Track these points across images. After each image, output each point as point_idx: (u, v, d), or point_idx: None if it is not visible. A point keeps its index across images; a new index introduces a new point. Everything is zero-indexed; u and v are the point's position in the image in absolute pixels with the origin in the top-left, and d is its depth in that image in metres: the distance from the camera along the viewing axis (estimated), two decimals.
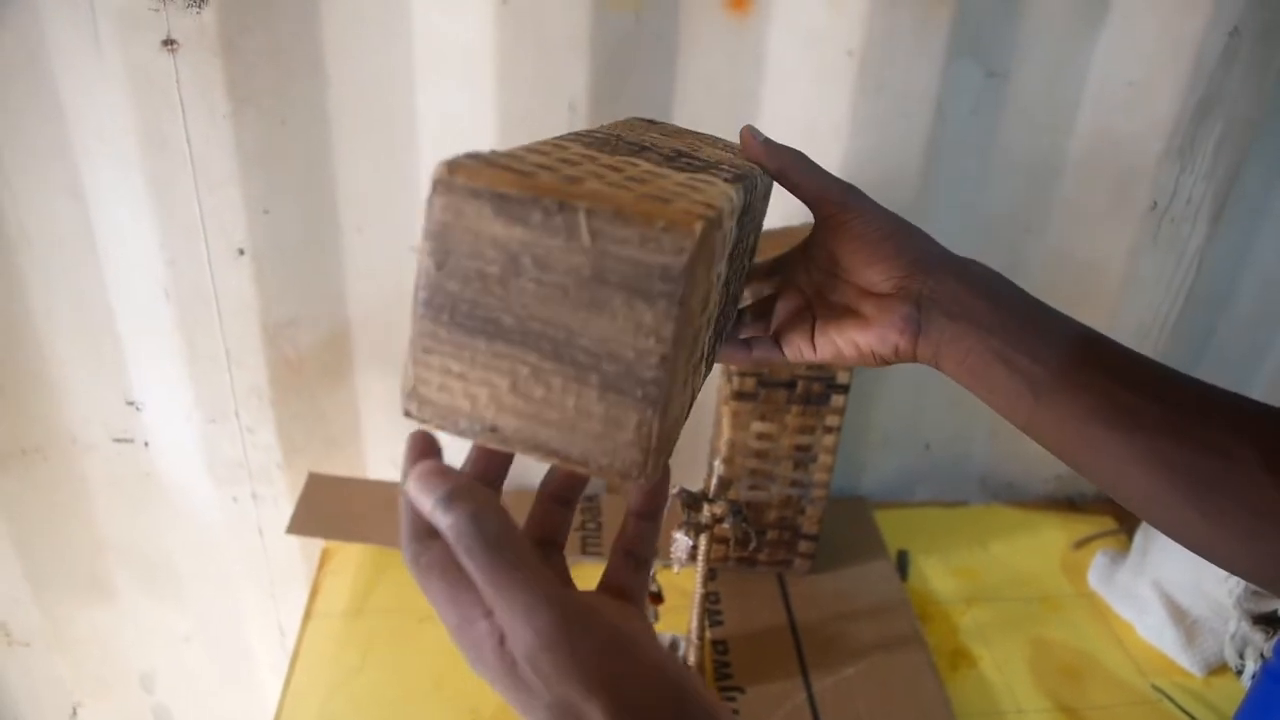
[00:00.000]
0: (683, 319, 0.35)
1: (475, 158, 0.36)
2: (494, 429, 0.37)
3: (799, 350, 0.54)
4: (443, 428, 0.38)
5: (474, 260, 0.36)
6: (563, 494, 0.44)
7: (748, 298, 0.58)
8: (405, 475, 0.38)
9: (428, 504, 0.36)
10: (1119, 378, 0.48)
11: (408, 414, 0.38)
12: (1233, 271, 1.16)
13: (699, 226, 0.34)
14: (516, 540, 0.36)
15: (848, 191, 0.52)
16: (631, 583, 0.43)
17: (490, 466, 0.41)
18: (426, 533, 0.38)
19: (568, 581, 0.42)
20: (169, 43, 0.86)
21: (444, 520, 0.35)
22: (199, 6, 0.84)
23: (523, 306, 0.36)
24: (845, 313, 0.52)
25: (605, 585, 0.43)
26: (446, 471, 0.37)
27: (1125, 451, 0.47)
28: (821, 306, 0.54)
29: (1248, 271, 1.16)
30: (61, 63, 0.88)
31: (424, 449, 0.38)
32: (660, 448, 0.37)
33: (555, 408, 0.37)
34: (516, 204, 0.35)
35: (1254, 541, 0.46)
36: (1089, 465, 0.49)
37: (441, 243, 0.36)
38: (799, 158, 0.52)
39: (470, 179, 0.35)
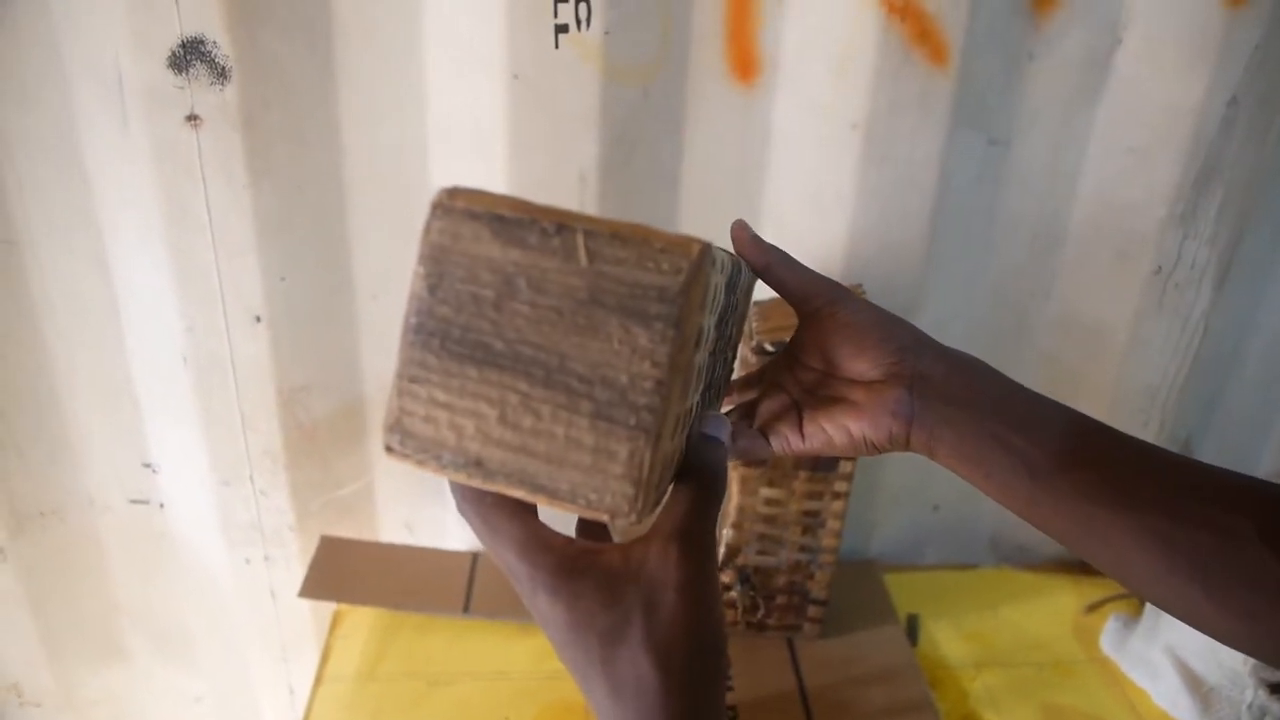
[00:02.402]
0: (678, 344, 0.35)
1: (476, 189, 0.37)
2: (479, 463, 0.36)
3: (785, 441, 0.54)
4: (424, 464, 0.37)
5: (468, 284, 0.36)
6: None
7: (729, 405, 0.57)
8: None
9: None
10: (1116, 457, 0.48)
11: (389, 449, 0.37)
12: (1239, 335, 1.16)
13: (696, 248, 0.35)
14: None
15: (834, 287, 0.53)
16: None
17: None
18: None
19: None
20: (192, 118, 0.89)
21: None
22: (222, 83, 0.87)
23: (516, 331, 0.36)
24: (835, 402, 0.53)
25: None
26: None
27: (1124, 531, 0.47)
28: (809, 400, 0.54)
29: (1254, 335, 1.17)
30: (90, 137, 0.91)
31: None
32: (652, 482, 0.36)
33: (544, 438, 0.36)
34: (514, 225, 0.35)
35: (1255, 620, 0.46)
36: (1088, 547, 0.49)
37: (436, 266, 0.36)
38: (786, 256, 0.54)
39: (470, 202, 0.36)
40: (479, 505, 0.39)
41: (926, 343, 0.53)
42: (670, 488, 0.41)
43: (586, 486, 0.36)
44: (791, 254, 0.54)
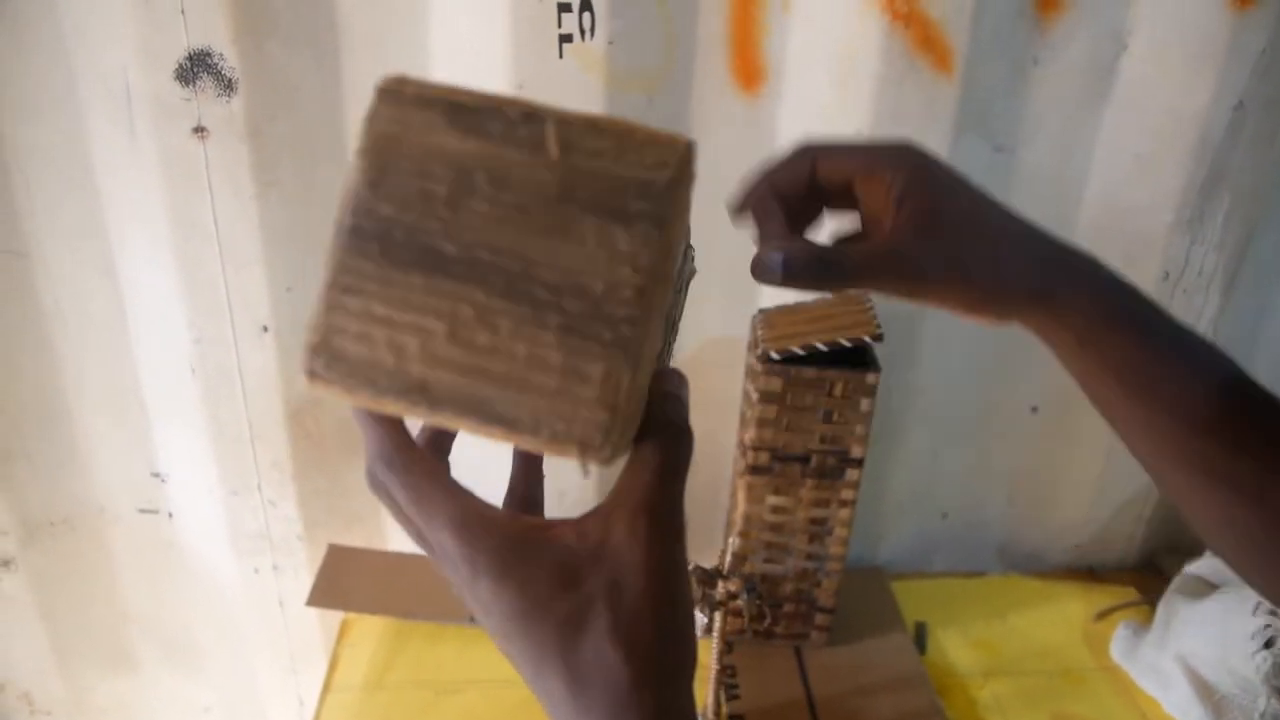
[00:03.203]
0: (662, 248, 0.30)
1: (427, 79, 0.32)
2: (423, 388, 0.30)
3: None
4: (354, 392, 0.31)
5: (417, 179, 0.31)
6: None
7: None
8: None
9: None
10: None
11: (311, 375, 0.31)
12: (1249, 340, 1.16)
13: (684, 142, 0.31)
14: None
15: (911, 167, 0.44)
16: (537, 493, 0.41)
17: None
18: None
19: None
20: (199, 130, 0.89)
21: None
22: (228, 95, 0.88)
23: (472, 232, 0.30)
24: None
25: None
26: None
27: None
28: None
29: (1263, 340, 1.16)
30: (98, 149, 0.92)
31: None
32: (628, 412, 0.31)
33: (502, 357, 0.30)
34: (474, 113, 0.31)
35: None
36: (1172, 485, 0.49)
37: (379, 159, 0.31)
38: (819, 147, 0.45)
39: (422, 89, 0.31)
40: (406, 475, 0.34)
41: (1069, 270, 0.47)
42: (629, 452, 0.35)
43: (552, 414, 0.30)
44: None
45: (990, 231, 0.45)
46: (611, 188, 0.30)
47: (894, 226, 0.43)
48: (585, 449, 0.30)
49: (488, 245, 0.30)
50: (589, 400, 0.30)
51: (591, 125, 0.31)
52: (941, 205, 0.44)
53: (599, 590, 0.33)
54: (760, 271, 0.42)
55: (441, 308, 0.30)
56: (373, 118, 0.31)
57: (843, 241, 0.49)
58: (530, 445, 0.30)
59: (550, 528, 0.34)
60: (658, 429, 0.35)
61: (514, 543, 0.34)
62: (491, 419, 0.30)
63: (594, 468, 0.31)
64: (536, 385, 0.30)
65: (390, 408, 0.31)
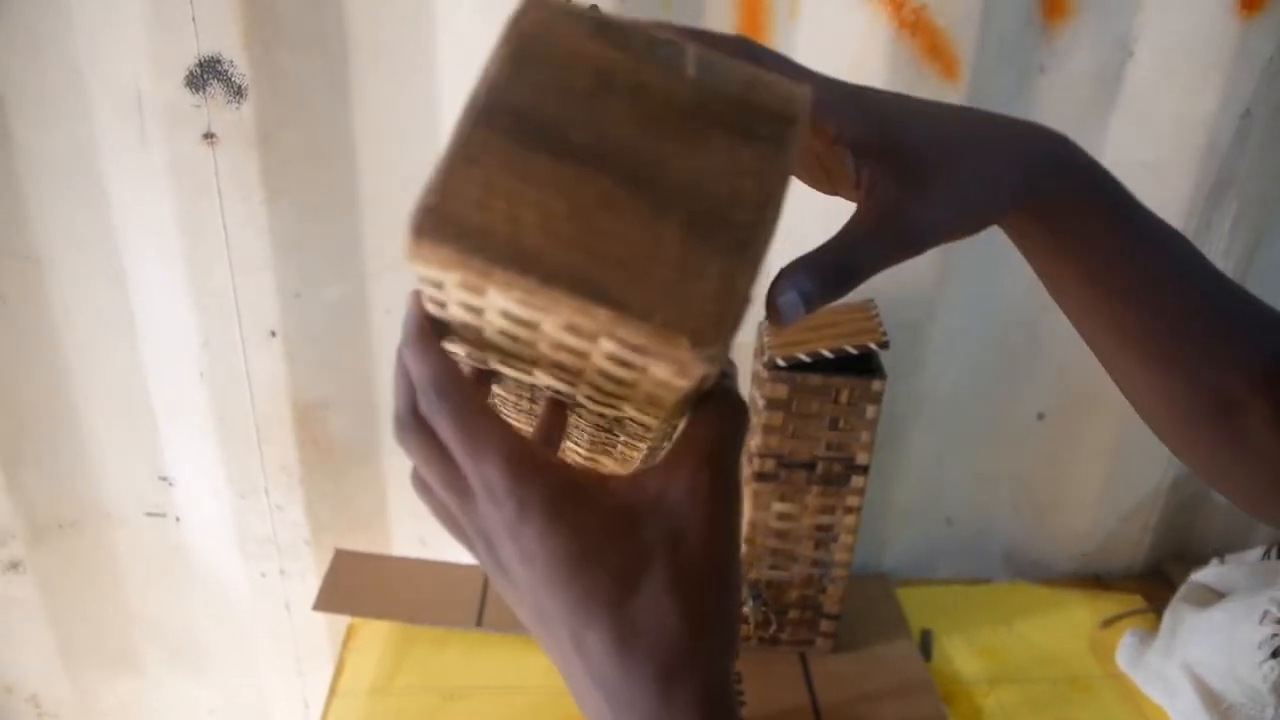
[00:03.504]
0: (781, 175, 0.31)
1: None
2: (536, 259, 0.29)
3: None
4: (464, 256, 0.29)
5: (557, 73, 0.31)
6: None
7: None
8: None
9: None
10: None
11: (419, 234, 0.29)
12: None
13: (807, 88, 0.32)
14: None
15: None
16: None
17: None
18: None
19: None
20: (209, 136, 0.90)
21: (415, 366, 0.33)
22: (238, 102, 0.89)
23: (604, 127, 0.31)
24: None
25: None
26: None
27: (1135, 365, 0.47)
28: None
29: None
30: (109, 156, 0.92)
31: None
32: (737, 314, 0.30)
33: (622, 243, 0.29)
34: (618, 29, 0.32)
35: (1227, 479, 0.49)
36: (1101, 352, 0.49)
37: (522, 51, 0.31)
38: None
39: (568, 2, 0.32)
40: (462, 403, 0.32)
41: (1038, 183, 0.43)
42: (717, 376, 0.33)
43: (666, 302, 0.29)
44: None
45: (961, 149, 0.42)
46: (741, 111, 0.31)
47: (874, 192, 0.40)
48: (696, 340, 0.29)
49: (618, 141, 0.30)
50: (705, 295, 0.29)
51: (726, 59, 0.32)
52: (908, 149, 0.40)
53: (657, 542, 0.32)
54: (781, 315, 0.38)
55: (565, 188, 0.30)
56: (519, 18, 0.32)
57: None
58: (636, 333, 0.29)
59: (606, 478, 0.33)
60: (716, 395, 0.34)
61: (569, 486, 0.32)
62: (603, 299, 0.29)
63: (684, 386, 0.30)
64: (653, 274, 0.29)
65: (497, 278, 0.29)
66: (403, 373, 0.34)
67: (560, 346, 0.32)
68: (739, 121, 0.31)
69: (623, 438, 0.40)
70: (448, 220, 0.29)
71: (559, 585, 0.32)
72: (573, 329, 0.30)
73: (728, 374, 0.36)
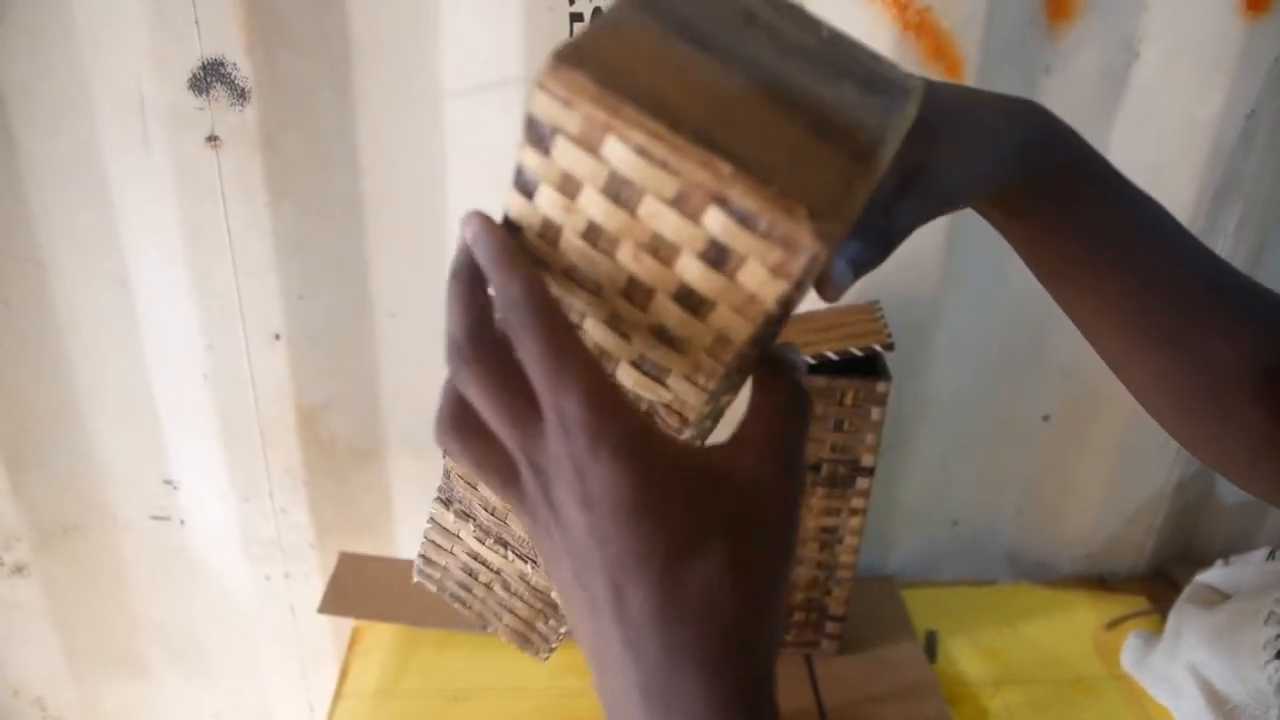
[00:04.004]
0: (900, 124, 0.33)
1: None
2: (668, 107, 0.29)
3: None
4: (599, 89, 0.29)
5: (705, 2, 0.33)
6: None
7: None
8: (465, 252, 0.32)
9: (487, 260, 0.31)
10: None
11: (559, 61, 0.29)
12: None
13: (923, 80, 0.36)
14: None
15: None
16: None
17: None
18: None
19: None
20: (212, 139, 0.90)
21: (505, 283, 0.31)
22: (241, 104, 0.88)
23: (744, 45, 0.32)
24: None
25: None
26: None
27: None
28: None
29: None
30: (112, 159, 0.92)
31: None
32: (848, 221, 0.29)
33: (751, 122, 0.30)
34: None
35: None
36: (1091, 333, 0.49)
37: None
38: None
39: None
40: (553, 321, 0.30)
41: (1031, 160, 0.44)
42: (750, 402, 0.34)
43: (789, 172, 0.28)
44: None
45: (961, 110, 0.43)
46: (867, 73, 0.34)
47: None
48: (813, 214, 0.28)
49: (755, 57, 0.32)
50: (824, 180, 0.29)
51: (856, 41, 0.35)
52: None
53: (723, 517, 0.30)
54: (833, 284, 0.37)
55: (702, 72, 0.30)
56: None
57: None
58: (752, 196, 0.28)
59: (679, 443, 0.32)
60: (782, 381, 0.34)
61: (646, 433, 0.30)
62: (727, 155, 0.28)
63: (799, 266, 0.29)
64: (777, 151, 0.29)
65: (625, 116, 0.28)
66: (463, 296, 0.32)
67: (648, 247, 0.31)
68: (864, 78, 0.33)
69: None
70: (590, 57, 0.29)
71: (614, 533, 0.30)
72: (682, 199, 0.29)
73: (795, 363, 0.35)
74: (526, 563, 0.44)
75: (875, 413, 0.91)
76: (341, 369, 1.04)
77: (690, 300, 0.31)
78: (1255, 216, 1.01)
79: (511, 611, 0.47)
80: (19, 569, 1.11)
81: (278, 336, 1.00)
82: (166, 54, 0.86)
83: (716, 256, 0.30)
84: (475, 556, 0.46)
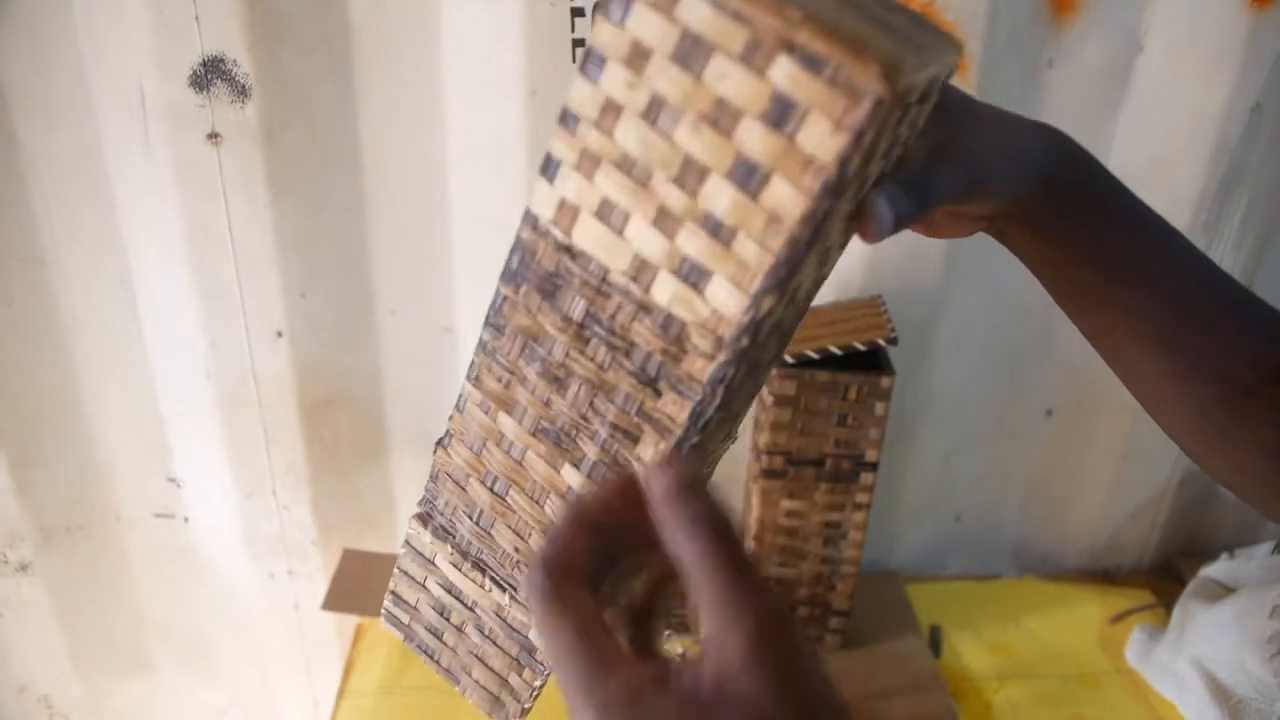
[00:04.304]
0: (950, 64, 0.36)
1: None
2: None
3: None
4: None
5: None
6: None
7: None
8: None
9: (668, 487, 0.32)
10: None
11: None
12: None
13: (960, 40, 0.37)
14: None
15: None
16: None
17: None
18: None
19: None
20: (213, 136, 0.90)
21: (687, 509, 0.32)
22: (242, 102, 0.88)
23: None
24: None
25: None
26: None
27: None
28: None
29: None
30: (114, 157, 0.92)
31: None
32: (907, 84, 0.31)
33: (822, 8, 0.31)
34: None
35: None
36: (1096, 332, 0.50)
37: None
38: None
39: None
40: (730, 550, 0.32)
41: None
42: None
43: (863, 32, 0.30)
44: None
45: (988, 115, 0.44)
46: (915, 24, 0.35)
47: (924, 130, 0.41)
48: (880, 58, 0.29)
49: None
50: (886, 50, 0.30)
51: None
52: (943, 98, 0.42)
53: None
54: (876, 220, 0.38)
55: None
56: None
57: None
58: (822, 40, 0.29)
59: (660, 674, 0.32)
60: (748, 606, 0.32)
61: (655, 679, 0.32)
62: (799, 4, 0.30)
63: (863, 113, 0.29)
64: (847, 26, 0.30)
65: None
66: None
67: (709, 118, 0.31)
68: (913, 27, 0.34)
69: (648, 429, 0.38)
70: None
71: None
72: (750, 51, 0.30)
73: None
74: (505, 592, 0.43)
75: (879, 407, 0.91)
76: (344, 366, 1.04)
77: (746, 176, 0.32)
78: (1260, 209, 1.01)
79: (483, 662, 0.45)
80: (23, 567, 1.11)
81: (280, 334, 1.00)
82: (167, 51, 0.86)
83: (779, 115, 0.31)
84: (449, 589, 0.45)
